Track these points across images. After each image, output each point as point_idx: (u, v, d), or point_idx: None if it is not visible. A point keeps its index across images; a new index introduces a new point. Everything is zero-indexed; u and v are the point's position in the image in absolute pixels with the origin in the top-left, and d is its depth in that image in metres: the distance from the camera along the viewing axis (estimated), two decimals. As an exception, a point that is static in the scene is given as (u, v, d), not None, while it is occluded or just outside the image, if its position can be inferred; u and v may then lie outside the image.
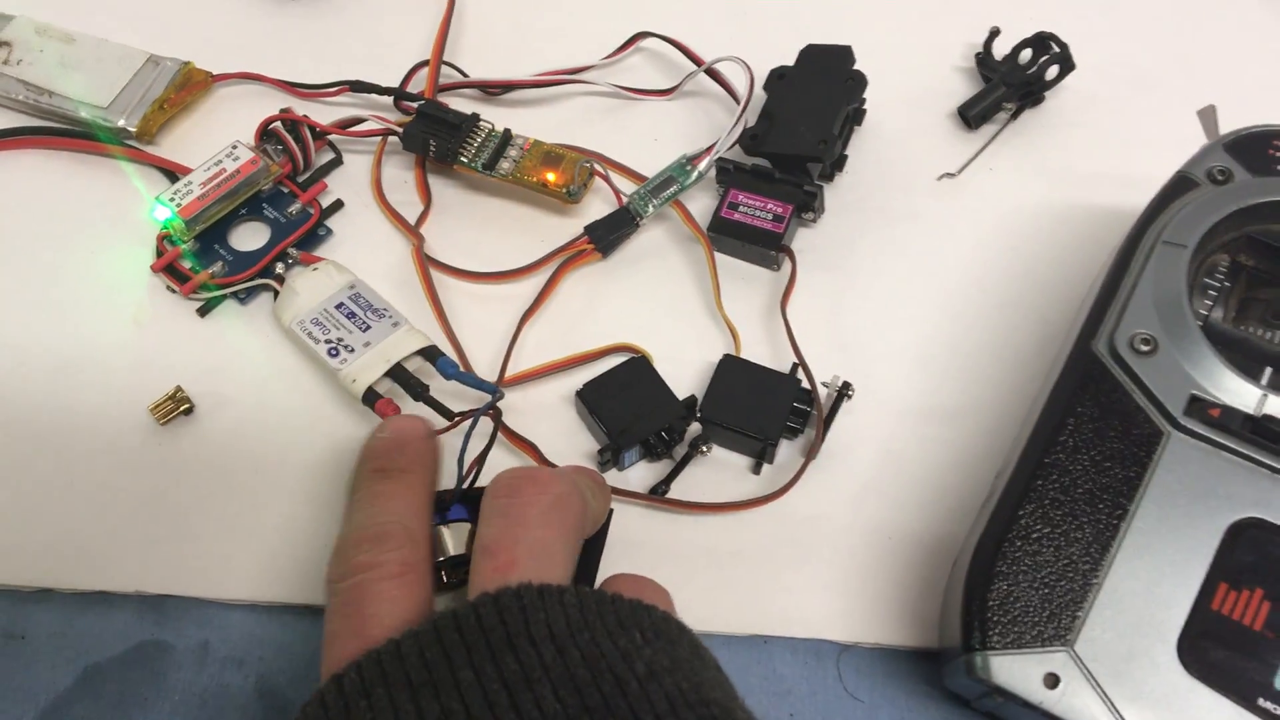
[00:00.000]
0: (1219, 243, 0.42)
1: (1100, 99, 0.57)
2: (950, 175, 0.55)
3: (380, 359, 0.46)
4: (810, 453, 0.47)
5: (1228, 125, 0.47)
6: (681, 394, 0.48)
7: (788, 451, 0.48)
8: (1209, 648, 0.35)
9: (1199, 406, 0.38)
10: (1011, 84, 0.55)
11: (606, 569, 0.44)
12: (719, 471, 0.48)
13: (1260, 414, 0.37)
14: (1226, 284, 0.41)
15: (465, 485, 0.41)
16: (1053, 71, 0.55)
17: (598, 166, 0.54)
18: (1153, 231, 0.41)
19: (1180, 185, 0.43)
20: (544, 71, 0.58)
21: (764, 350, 0.50)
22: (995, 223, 0.54)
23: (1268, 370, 0.39)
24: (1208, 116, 0.45)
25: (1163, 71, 0.58)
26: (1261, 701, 0.35)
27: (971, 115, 0.55)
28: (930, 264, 0.53)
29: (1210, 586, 0.36)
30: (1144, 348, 0.39)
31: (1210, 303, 0.41)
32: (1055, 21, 0.56)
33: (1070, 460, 0.38)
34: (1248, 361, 0.40)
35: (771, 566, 0.45)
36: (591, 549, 0.44)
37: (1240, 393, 0.38)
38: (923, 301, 0.52)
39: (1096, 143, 0.56)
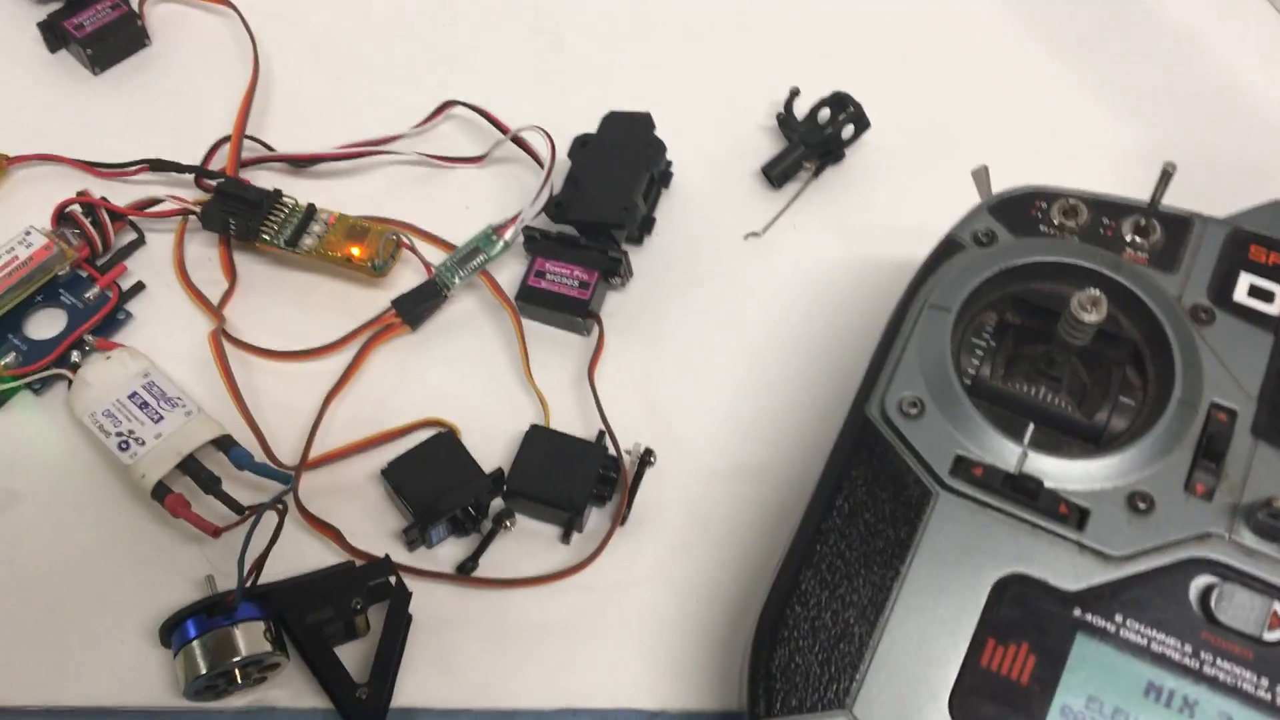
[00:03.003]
0: (985, 303, 0.43)
1: (898, 155, 0.59)
2: (755, 234, 0.56)
3: (171, 451, 0.45)
4: (616, 520, 0.47)
5: (1013, 180, 0.49)
6: (491, 466, 0.48)
7: (598, 519, 0.48)
8: (979, 704, 0.36)
9: (964, 466, 0.39)
10: (811, 143, 0.57)
11: (413, 652, 0.44)
12: (528, 542, 0.48)
13: (1019, 471, 0.39)
14: (993, 343, 0.43)
15: (249, 583, 0.40)
16: (849, 130, 0.57)
17: (404, 238, 0.54)
18: (922, 295, 0.43)
19: (948, 248, 0.44)
20: (353, 142, 0.58)
21: (574, 417, 0.51)
22: (799, 280, 0.55)
23: (1031, 426, 0.41)
24: (980, 177, 0.47)
25: (956, 125, 0.60)
26: (1029, 754, 0.36)
27: (774, 174, 0.57)
28: (736, 323, 0.54)
29: (979, 643, 0.37)
30: (912, 410, 0.40)
31: (978, 361, 0.43)
32: (854, 79, 0.58)
33: (846, 524, 0.39)
34: (1015, 418, 0.41)
35: (581, 637, 0.46)
36: (391, 634, 0.44)
37: (1002, 451, 0.39)
38: (729, 360, 0.53)
39: (894, 197, 0.58)
